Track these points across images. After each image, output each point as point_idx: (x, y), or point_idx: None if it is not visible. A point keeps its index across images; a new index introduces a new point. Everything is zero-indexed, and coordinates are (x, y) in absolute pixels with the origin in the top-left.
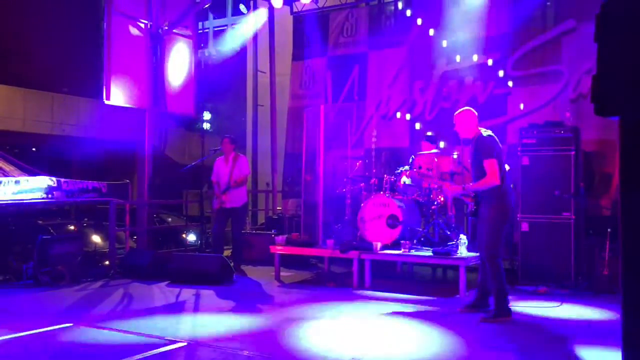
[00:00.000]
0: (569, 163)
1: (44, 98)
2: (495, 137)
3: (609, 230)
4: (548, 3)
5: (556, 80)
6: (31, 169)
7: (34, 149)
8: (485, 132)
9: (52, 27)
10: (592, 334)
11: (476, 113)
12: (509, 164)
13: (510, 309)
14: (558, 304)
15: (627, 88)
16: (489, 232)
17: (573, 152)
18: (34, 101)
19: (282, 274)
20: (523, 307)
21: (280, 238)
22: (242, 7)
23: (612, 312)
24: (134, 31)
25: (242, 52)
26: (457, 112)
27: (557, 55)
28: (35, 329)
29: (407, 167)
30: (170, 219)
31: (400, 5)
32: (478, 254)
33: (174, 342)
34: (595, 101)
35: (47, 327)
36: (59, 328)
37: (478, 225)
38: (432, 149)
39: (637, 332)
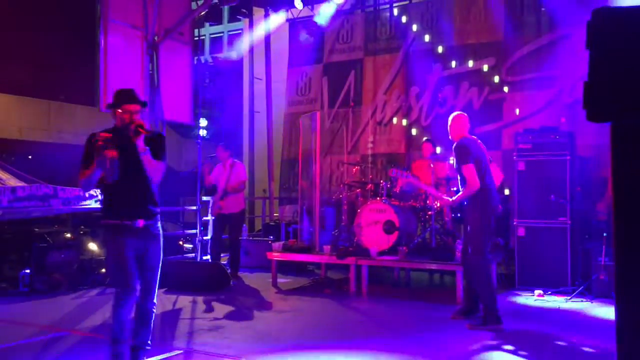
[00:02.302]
0: (565, 168)
1: (41, 105)
2: (473, 140)
3: (605, 235)
4: (543, 9)
5: (551, 86)
6: (28, 177)
7: (30, 157)
8: (466, 138)
9: (48, 34)
10: (589, 340)
11: (467, 118)
12: (504, 169)
13: (500, 317)
14: (558, 305)
15: (618, 94)
16: (473, 237)
17: (569, 157)
18: (31, 109)
19: (279, 280)
20: (517, 311)
21: (277, 244)
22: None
23: (609, 317)
24: (130, 39)
25: (238, 59)
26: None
27: (552, 60)
28: (32, 338)
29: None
30: (166, 226)
31: (395, 11)
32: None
33: (170, 350)
34: (587, 107)
35: (43, 336)
36: (56, 337)
37: (463, 230)
38: (433, 151)
39: (631, 337)
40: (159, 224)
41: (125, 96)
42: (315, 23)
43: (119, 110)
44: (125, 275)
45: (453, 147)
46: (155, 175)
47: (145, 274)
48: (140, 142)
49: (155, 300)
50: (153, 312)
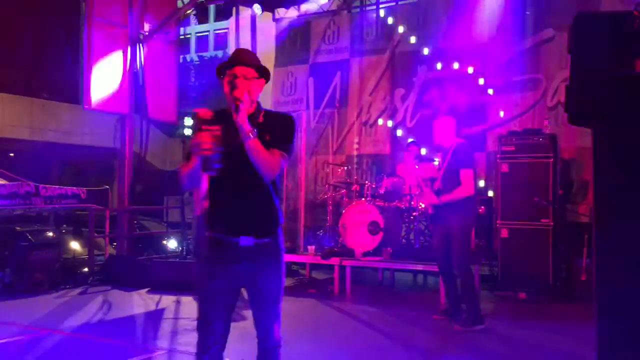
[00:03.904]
0: (548, 170)
1: (23, 103)
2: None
3: (586, 236)
4: (527, 12)
5: (535, 89)
6: (9, 175)
7: (12, 155)
8: (465, 141)
9: (31, 31)
10: (569, 340)
11: (455, 121)
12: (488, 171)
13: (482, 317)
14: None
15: (598, 99)
16: (461, 242)
17: (551, 159)
18: (13, 106)
19: None
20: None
21: None
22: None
23: (589, 317)
24: (114, 37)
25: (223, 58)
26: (437, 119)
27: (536, 63)
28: (12, 337)
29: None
30: (150, 226)
31: (382, 13)
32: (438, 263)
33: (154, 349)
34: (569, 111)
35: (24, 335)
36: (37, 337)
37: (441, 233)
38: (417, 153)
39: (610, 337)
40: (280, 241)
41: (233, 57)
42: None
43: (226, 78)
44: (205, 316)
45: (453, 147)
46: (265, 169)
47: (259, 309)
48: (243, 122)
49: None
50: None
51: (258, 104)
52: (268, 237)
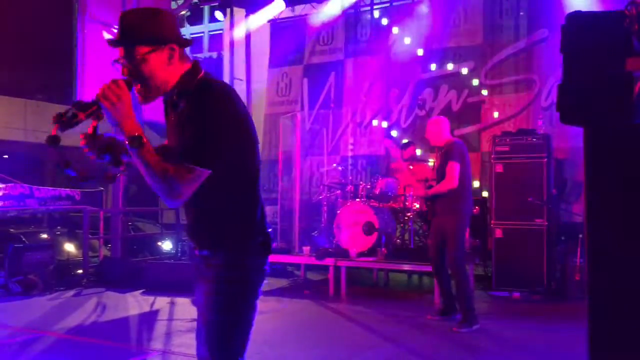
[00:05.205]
0: (542, 170)
1: (17, 104)
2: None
3: (580, 236)
4: (521, 13)
5: (529, 89)
6: (3, 176)
7: (6, 156)
8: (459, 140)
9: (24, 31)
10: (563, 340)
11: (448, 122)
12: (483, 171)
13: (477, 316)
14: None
15: (589, 98)
16: (456, 242)
17: (545, 159)
18: (6, 108)
19: None
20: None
21: None
22: (218, 14)
23: (583, 317)
24: (107, 37)
25: (218, 59)
26: (430, 119)
27: (530, 64)
28: (7, 339)
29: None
30: (145, 227)
31: (376, 14)
32: (432, 262)
33: (147, 351)
34: (561, 110)
35: (18, 337)
36: (32, 338)
37: (436, 233)
38: (413, 153)
39: (603, 337)
40: (222, 259)
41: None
42: (297, 24)
43: None
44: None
45: (446, 145)
46: (159, 191)
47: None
48: (121, 124)
49: None
50: None
51: (186, 77)
52: (206, 250)
